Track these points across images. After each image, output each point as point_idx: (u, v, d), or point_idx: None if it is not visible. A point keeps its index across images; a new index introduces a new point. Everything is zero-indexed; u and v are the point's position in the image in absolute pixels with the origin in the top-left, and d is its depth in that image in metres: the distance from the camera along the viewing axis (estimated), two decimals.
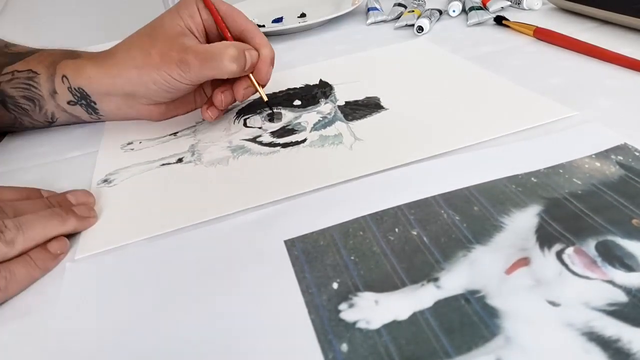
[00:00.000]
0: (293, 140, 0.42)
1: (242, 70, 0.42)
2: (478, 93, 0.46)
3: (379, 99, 0.47)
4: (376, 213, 0.31)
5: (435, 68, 0.53)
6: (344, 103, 0.47)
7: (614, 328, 0.22)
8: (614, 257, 0.25)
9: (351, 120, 0.44)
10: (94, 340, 0.26)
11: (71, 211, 0.34)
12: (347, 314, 0.25)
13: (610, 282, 0.24)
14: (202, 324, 0.26)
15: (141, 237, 0.33)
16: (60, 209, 0.34)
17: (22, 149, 0.48)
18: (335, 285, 0.26)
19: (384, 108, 0.45)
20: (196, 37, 0.44)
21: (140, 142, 0.46)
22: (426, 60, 0.56)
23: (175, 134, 0.47)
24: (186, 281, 0.29)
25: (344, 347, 0.23)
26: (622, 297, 0.23)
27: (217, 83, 0.46)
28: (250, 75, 0.44)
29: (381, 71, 0.54)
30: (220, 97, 0.44)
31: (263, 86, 0.45)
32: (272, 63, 0.45)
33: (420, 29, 0.63)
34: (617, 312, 0.23)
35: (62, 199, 0.36)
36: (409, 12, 0.69)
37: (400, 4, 0.72)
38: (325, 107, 0.47)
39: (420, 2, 0.72)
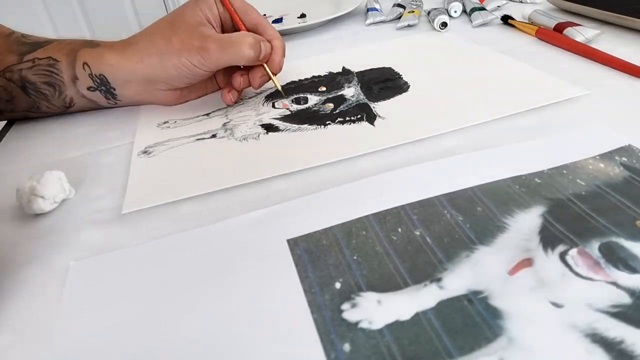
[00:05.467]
0: (319, 120, 0.45)
1: (257, 57, 0.45)
2: (498, 75, 0.49)
3: (400, 82, 0.49)
4: (379, 213, 0.31)
5: (453, 55, 0.56)
6: (366, 87, 0.50)
7: (617, 330, 0.22)
8: (617, 258, 0.25)
9: (374, 101, 0.47)
10: (97, 339, 0.26)
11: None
12: (350, 313, 0.25)
13: (614, 283, 0.24)
14: (204, 324, 0.25)
15: (182, 196, 0.36)
16: None
17: (63, 132, 0.50)
18: (337, 285, 0.26)
19: (405, 90, 0.48)
20: (213, 28, 0.47)
21: (175, 122, 0.49)
22: (444, 48, 0.59)
23: (207, 114, 0.49)
24: (188, 280, 0.28)
25: (346, 347, 0.23)
26: (625, 299, 0.23)
27: (231, 71, 0.49)
28: (265, 65, 0.47)
29: (401, 58, 0.57)
30: (240, 80, 0.48)
31: (275, 74, 0.49)
32: (283, 54, 0.49)
33: (444, 24, 0.64)
34: (621, 314, 0.23)
35: None
36: (408, 12, 0.69)
37: (399, 5, 0.72)
38: (348, 91, 0.49)
39: (419, 2, 0.72)
